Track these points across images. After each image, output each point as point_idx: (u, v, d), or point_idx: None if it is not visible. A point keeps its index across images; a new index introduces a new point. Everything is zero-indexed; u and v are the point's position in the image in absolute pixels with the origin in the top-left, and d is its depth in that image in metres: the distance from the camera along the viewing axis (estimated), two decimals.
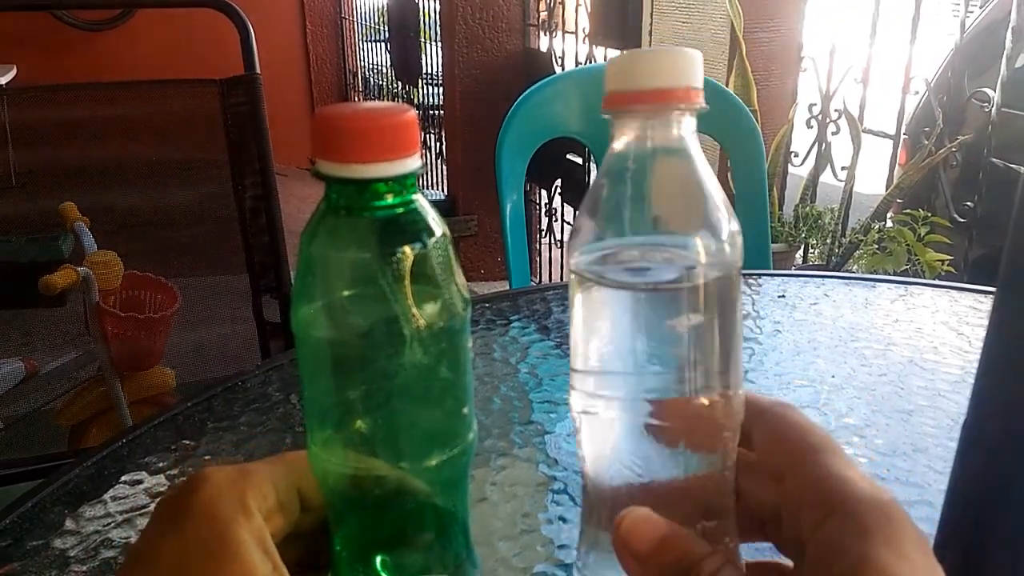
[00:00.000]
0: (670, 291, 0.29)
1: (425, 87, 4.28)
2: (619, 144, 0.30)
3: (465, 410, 0.29)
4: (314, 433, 0.29)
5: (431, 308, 0.27)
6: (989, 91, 1.97)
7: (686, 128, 0.29)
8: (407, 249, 0.27)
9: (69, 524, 0.57)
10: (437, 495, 0.30)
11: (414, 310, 0.27)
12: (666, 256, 0.29)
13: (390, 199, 0.27)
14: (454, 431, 0.29)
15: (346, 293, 0.28)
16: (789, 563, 0.31)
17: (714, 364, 0.30)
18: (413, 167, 0.27)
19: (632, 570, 0.29)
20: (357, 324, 0.28)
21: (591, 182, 0.31)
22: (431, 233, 0.28)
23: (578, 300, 0.31)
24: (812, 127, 2.34)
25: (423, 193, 0.28)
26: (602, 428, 0.31)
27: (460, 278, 0.29)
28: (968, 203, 2.06)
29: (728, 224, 0.29)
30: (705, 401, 0.29)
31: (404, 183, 0.27)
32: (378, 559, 0.30)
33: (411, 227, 0.27)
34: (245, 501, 0.28)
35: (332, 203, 0.27)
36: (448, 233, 0.28)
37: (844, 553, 0.26)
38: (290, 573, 0.30)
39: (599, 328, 0.31)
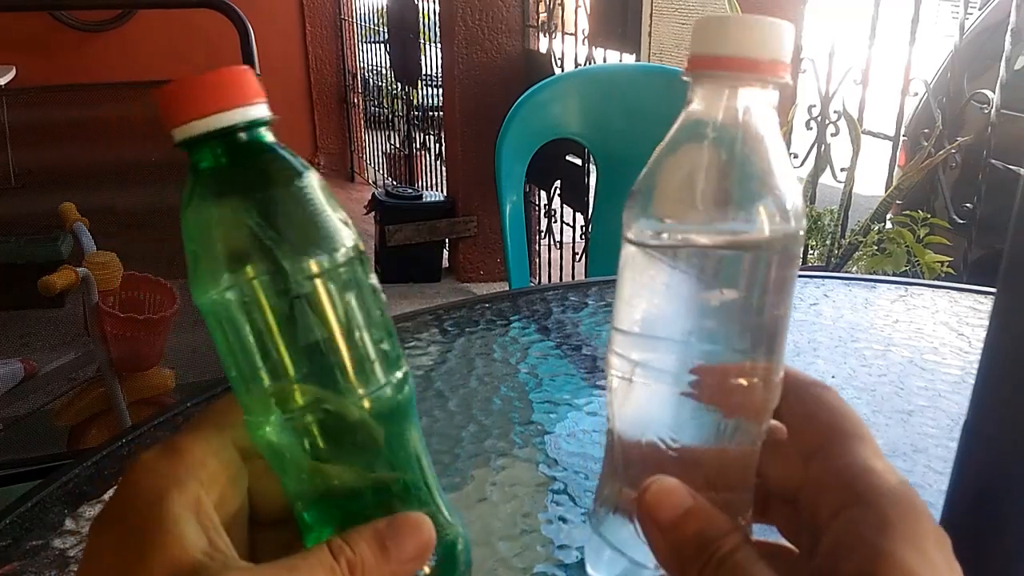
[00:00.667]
0: (730, 258, 0.29)
1: (425, 88, 4.28)
2: (696, 107, 0.30)
3: (385, 345, 0.30)
4: (250, 403, 0.29)
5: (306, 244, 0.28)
6: (988, 93, 1.97)
7: (766, 100, 0.29)
8: (268, 192, 0.29)
9: (69, 524, 0.57)
10: (381, 444, 0.30)
11: (291, 249, 0.28)
12: (730, 226, 0.29)
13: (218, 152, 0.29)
14: (377, 364, 0.29)
15: (234, 255, 0.28)
16: (793, 548, 0.31)
17: (763, 340, 0.30)
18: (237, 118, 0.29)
19: (654, 539, 0.29)
20: (260, 281, 0.28)
21: (657, 148, 0.30)
22: (283, 175, 0.29)
23: (631, 261, 0.31)
24: (811, 128, 2.34)
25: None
26: (640, 392, 0.31)
27: (338, 215, 0.29)
28: (967, 204, 2.06)
29: (794, 199, 0.29)
30: (748, 377, 0.30)
31: (230, 134, 0.29)
32: (327, 510, 0.30)
33: (264, 174, 0.29)
34: (175, 473, 0.27)
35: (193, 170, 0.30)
36: (304, 172, 0.29)
37: (863, 545, 0.26)
38: (271, 522, 0.30)
39: (649, 291, 0.31)
